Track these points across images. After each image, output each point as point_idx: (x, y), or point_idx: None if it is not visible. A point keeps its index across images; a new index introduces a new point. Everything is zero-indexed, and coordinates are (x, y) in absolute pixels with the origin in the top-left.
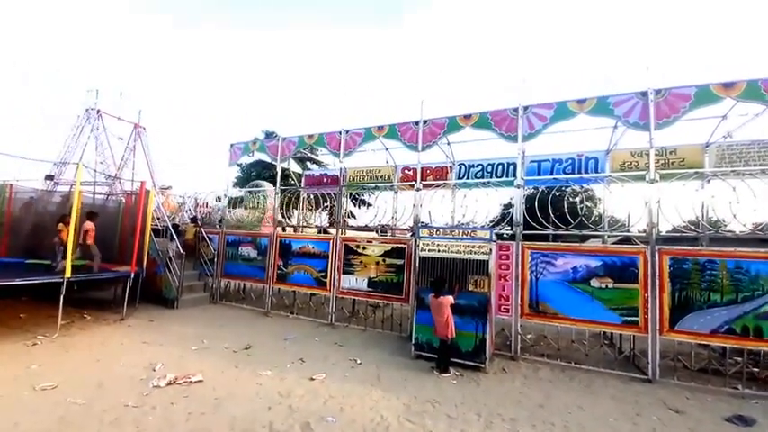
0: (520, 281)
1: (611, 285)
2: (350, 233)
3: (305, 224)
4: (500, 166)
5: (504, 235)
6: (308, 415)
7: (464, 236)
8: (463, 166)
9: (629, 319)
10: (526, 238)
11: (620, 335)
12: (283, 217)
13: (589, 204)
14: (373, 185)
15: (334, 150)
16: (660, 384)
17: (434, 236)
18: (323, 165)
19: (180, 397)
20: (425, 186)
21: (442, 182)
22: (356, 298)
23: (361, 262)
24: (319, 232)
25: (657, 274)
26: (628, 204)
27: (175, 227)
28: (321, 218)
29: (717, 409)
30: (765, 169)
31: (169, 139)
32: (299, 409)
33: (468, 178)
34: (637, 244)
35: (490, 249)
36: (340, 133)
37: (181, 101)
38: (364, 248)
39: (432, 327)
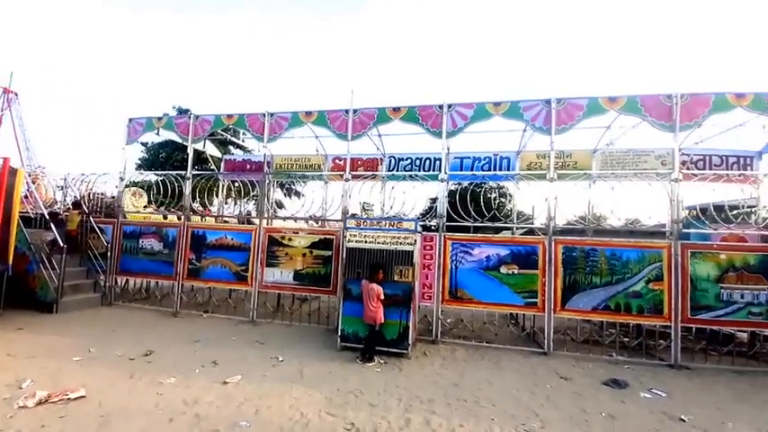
0: (442, 270)
1: (516, 271)
2: (278, 224)
3: (220, 214)
4: (427, 161)
5: (432, 227)
6: (218, 422)
7: (391, 227)
8: (393, 159)
9: (530, 300)
10: (451, 229)
11: (524, 315)
12: (203, 206)
13: (503, 200)
14: (301, 174)
15: (258, 134)
16: (554, 356)
17: (362, 227)
18: (248, 150)
19: (54, 418)
20: (355, 177)
21: (370, 173)
22: (281, 292)
23: (286, 254)
24: (242, 222)
25: (553, 261)
26: (532, 200)
27: (55, 215)
28: (244, 207)
29: (597, 375)
30: (637, 172)
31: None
32: (208, 416)
33: (397, 171)
34: (539, 235)
35: (415, 240)
36: (264, 115)
37: (97, 80)
38: (290, 240)
39: (359, 317)
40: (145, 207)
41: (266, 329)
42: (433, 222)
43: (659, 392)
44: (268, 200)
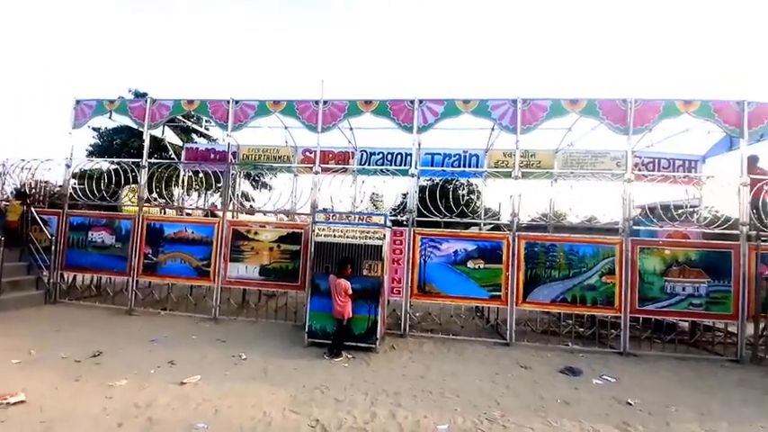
0: (411, 264)
1: (482, 266)
2: (245, 217)
3: (181, 205)
4: (399, 156)
5: (405, 222)
6: (173, 425)
7: (360, 221)
8: (365, 153)
9: (494, 294)
10: (422, 224)
11: (489, 308)
12: (161, 196)
13: (471, 196)
14: (268, 166)
15: (221, 122)
16: (515, 346)
17: (331, 221)
18: (213, 139)
19: None
20: (326, 170)
21: (340, 166)
22: (247, 288)
23: (252, 248)
24: (206, 215)
25: (516, 255)
26: (499, 197)
27: None
28: (208, 199)
29: (554, 363)
30: (594, 172)
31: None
32: (162, 419)
33: (369, 165)
34: (505, 231)
35: (384, 235)
36: (228, 102)
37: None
38: (256, 234)
39: (327, 313)
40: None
41: (230, 327)
42: (405, 217)
43: (609, 378)
44: (233, 192)
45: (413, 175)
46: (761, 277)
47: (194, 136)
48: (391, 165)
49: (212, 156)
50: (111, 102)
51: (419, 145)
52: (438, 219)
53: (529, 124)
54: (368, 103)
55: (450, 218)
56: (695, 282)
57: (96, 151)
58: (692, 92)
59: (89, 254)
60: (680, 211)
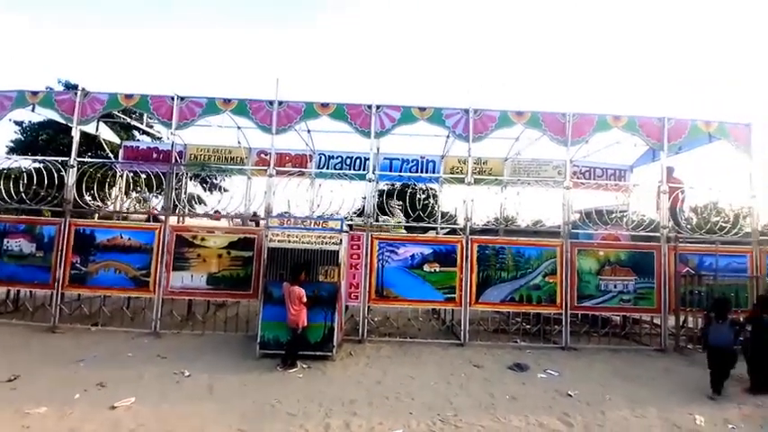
0: (369, 269)
1: (438, 269)
2: (194, 222)
3: (116, 210)
4: (358, 160)
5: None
6: None
7: (316, 226)
8: (323, 156)
9: (449, 296)
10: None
11: (445, 309)
12: (94, 198)
13: (428, 201)
14: (217, 167)
15: (164, 119)
16: (469, 346)
17: (286, 226)
18: (158, 137)
19: None
20: (282, 174)
21: (297, 169)
22: (193, 298)
23: (199, 255)
24: (148, 220)
25: (469, 258)
26: (456, 202)
27: None
28: (151, 202)
29: (503, 360)
30: (538, 180)
31: None
32: None
33: (327, 169)
34: (460, 235)
35: (340, 240)
36: (172, 99)
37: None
38: (203, 240)
39: (280, 322)
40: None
41: (172, 342)
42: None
43: (553, 372)
44: (179, 195)
45: (370, 180)
46: (679, 274)
47: (136, 133)
48: (350, 169)
49: (155, 155)
50: (35, 93)
51: (377, 150)
52: (398, 223)
53: (480, 133)
54: (325, 106)
55: (408, 222)
56: (625, 279)
57: (18, 148)
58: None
59: (4, 264)
60: (612, 216)
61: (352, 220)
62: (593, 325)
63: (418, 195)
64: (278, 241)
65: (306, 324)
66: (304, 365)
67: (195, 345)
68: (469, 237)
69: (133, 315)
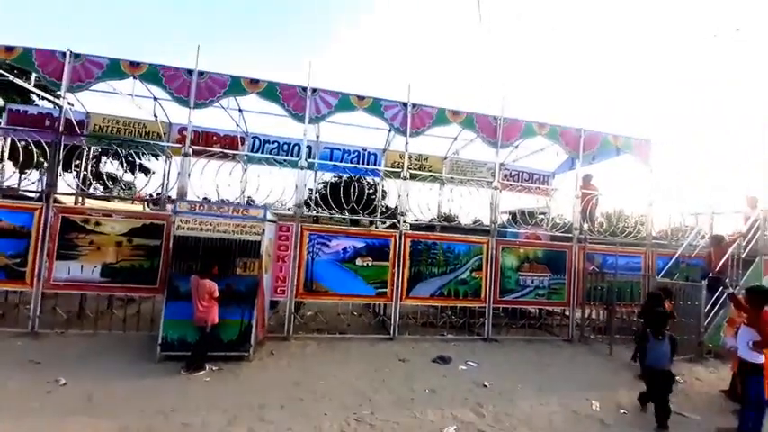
0: (297, 262)
1: (370, 263)
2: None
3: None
4: (297, 147)
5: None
6: None
7: (234, 213)
8: (257, 140)
9: (381, 290)
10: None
11: (379, 304)
12: None
13: (377, 195)
14: (118, 141)
15: (53, 79)
16: (398, 340)
17: (197, 212)
18: (57, 104)
19: None
20: (203, 154)
21: (217, 150)
22: (83, 293)
23: (92, 243)
24: (40, 199)
25: (402, 253)
26: (395, 197)
27: None
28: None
29: (429, 354)
30: (471, 179)
31: None
32: None
33: (262, 153)
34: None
35: (262, 229)
36: (63, 55)
37: None
38: (98, 224)
39: (187, 320)
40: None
41: (53, 343)
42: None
43: (473, 363)
44: (80, 170)
45: (302, 168)
46: (586, 272)
47: (36, 98)
48: (288, 155)
49: (48, 122)
50: None
51: (317, 138)
52: (340, 216)
53: (417, 128)
54: (254, 83)
55: (342, 215)
56: (541, 275)
57: None
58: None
59: None
60: (535, 218)
61: (288, 210)
62: (514, 317)
63: (367, 190)
64: (187, 229)
65: (216, 321)
66: (214, 367)
67: (83, 347)
68: (403, 231)
69: (4, 311)
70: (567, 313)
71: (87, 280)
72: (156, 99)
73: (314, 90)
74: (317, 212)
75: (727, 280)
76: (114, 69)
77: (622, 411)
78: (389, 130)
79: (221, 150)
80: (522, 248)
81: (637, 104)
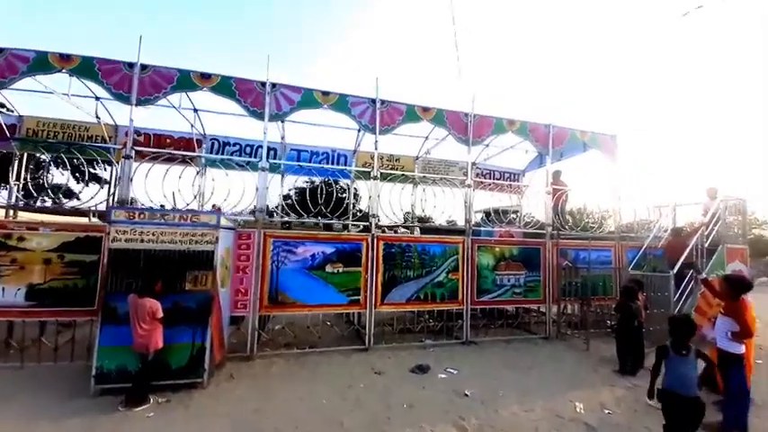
0: (261, 272)
1: (341, 270)
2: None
3: None
4: (260, 149)
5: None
6: None
7: (182, 221)
8: (216, 142)
9: (353, 298)
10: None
11: (355, 312)
12: None
13: (353, 200)
14: (47, 145)
15: None
16: (373, 350)
17: (137, 220)
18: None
19: None
20: (149, 157)
21: (166, 151)
22: (8, 319)
23: (14, 261)
24: None
25: (375, 257)
26: (366, 198)
27: None
28: None
29: (407, 363)
30: (444, 177)
31: None
32: None
33: (222, 155)
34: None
35: (216, 238)
36: None
37: None
38: (22, 239)
39: (127, 346)
40: None
41: None
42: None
43: (452, 371)
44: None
45: (263, 169)
46: (560, 267)
47: None
48: (251, 158)
49: None
50: None
51: (282, 138)
52: (314, 221)
53: (387, 125)
54: (206, 77)
55: (306, 218)
56: (517, 273)
57: None
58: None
59: None
60: (508, 215)
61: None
62: (491, 318)
63: (341, 194)
64: (125, 240)
65: (160, 346)
66: (160, 399)
67: (7, 382)
68: (375, 234)
69: None
70: (543, 310)
71: (9, 305)
72: (98, 99)
73: (274, 85)
74: (285, 218)
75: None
76: (42, 63)
77: (607, 412)
78: (359, 130)
79: (169, 152)
80: (497, 247)
81: (606, 97)
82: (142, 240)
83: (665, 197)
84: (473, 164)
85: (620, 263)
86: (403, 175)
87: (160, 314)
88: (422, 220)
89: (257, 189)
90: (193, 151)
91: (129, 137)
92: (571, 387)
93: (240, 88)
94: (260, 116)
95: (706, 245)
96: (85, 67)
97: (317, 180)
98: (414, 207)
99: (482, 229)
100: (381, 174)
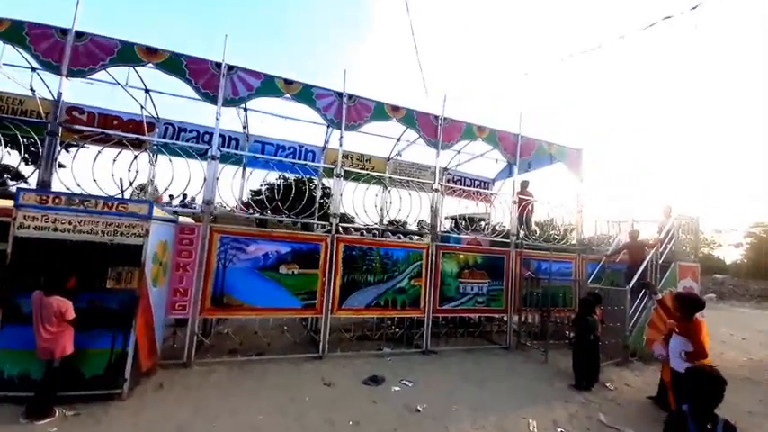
0: (205, 270)
1: (297, 271)
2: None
3: None
4: (220, 138)
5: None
6: None
7: (106, 209)
8: (171, 127)
9: (309, 302)
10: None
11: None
12: None
13: (325, 199)
14: None
15: None
16: (327, 359)
17: (50, 205)
18: None
19: None
20: (80, 135)
21: (98, 130)
22: None
23: None
24: None
25: (334, 259)
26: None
27: None
28: None
29: (361, 373)
30: (411, 180)
31: None
32: None
33: (178, 142)
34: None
35: (146, 230)
36: None
37: None
38: None
39: (32, 350)
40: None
41: None
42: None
43: (407, 383)
44: None
45: (213, 157)
46: (523, 277)
47: None
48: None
49: None
50: None
51: (244, 128)
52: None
53: (354, 122)
54: (152, 52)
55: (267, 216)
56: (480, 282)
57: None
58: None
59: None
60: (476, 223)
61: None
62: (453, 326)
63: (314, 193)
64: (34, 228)
65: (69, 352)
66: (68, 412)
67: None
68: (335, 235)
69: None
70: (505, 319)
71: None
72: (34, 69)
73: (231, 68)
74: (255, 214)
75: (650, 283)
76: (14, 34)
77: (560, 430)
78: (328, 126)
79: (104, 132)
80: (462, 254)
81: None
82: (56, 229)
83: (624, 213)
84: (444, 169)
85: (581, 275)
86: (368, 174)
87: (71, 315)
88: (392, 223)
89: (205, 179)
90: (142, 133)
91: (59, 111)
92: (526, 402)
93: (191, 67)
94: (212, 99)
95: (660, 261)
96: (14, 31)
97: (292, 177)
98: (382, 210)
99: (451, 235)
100: (346, 172)
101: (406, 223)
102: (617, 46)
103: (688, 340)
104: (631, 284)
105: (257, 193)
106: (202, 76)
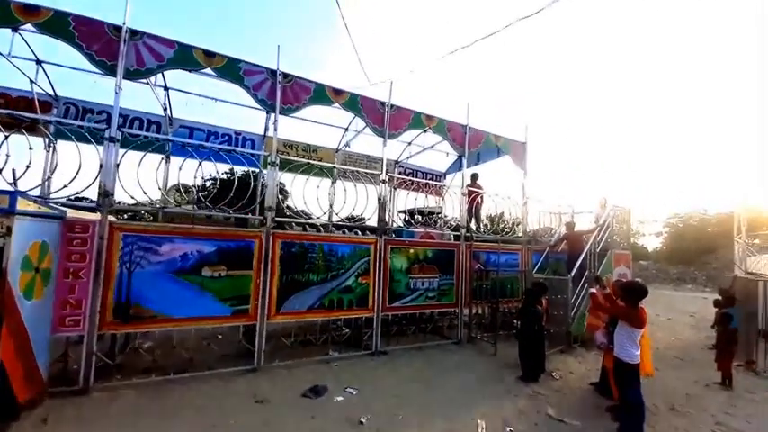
0: (105, 276)
1: (224, 273)
2: None
3: None
4: (137, 121)
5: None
6: None
7: None
8: (73, 107)
9: (240, 308)
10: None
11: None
12: None
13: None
14: None
15: None
16: (264, 370)
17: None
18: None
19: None
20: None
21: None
22: None
23: None
24: None
25: (270, 258)
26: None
27: None
28: None
29: (301, 385)
30: (357, 171)
31: None
32: None
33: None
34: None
35: (8, 228)
36: None
37: None
38: None
39: None
40: None
41: None
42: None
43: (352, 391)
44: None
45: (111, 139)
46: (473, 270)
47: None
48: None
49: None
50: None
51: (166, 110)
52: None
53: (291, 104)
54: (32, 10)
55: (199, 208)
56: (431, 277)
57: None
58: None
59: None
60: (428, 216)
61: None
62: (404, 323)
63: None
64: None
65: None
66: None
67: None
68: (271, 231)
69: None
70: (456, 312)
71: None
72: None
73: (135, 32)
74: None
75: (588, 274)
76: None
77: (509, 429)
78: (268, 113)
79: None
80: (412, 248)
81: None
82: None
83: (564, 204)
84: (396, 162)
85: (526, 266)
86: (308, 163)
87: None
88: (350, 220)
89: (101, 166)
90: (34, 112)
91: None
92: (475, 400)
93: (81, 29)
94: (111, 69)
95: (597, 250)
96: None
97: (240, 170)
98: (331, 204)
99: (404, 229)
100: (286, 161)
101: (363, 219)
102: (556, 13)
103: (629, 324)
104: (572, 273)
105: (203, 188)
106: (96, 41)
